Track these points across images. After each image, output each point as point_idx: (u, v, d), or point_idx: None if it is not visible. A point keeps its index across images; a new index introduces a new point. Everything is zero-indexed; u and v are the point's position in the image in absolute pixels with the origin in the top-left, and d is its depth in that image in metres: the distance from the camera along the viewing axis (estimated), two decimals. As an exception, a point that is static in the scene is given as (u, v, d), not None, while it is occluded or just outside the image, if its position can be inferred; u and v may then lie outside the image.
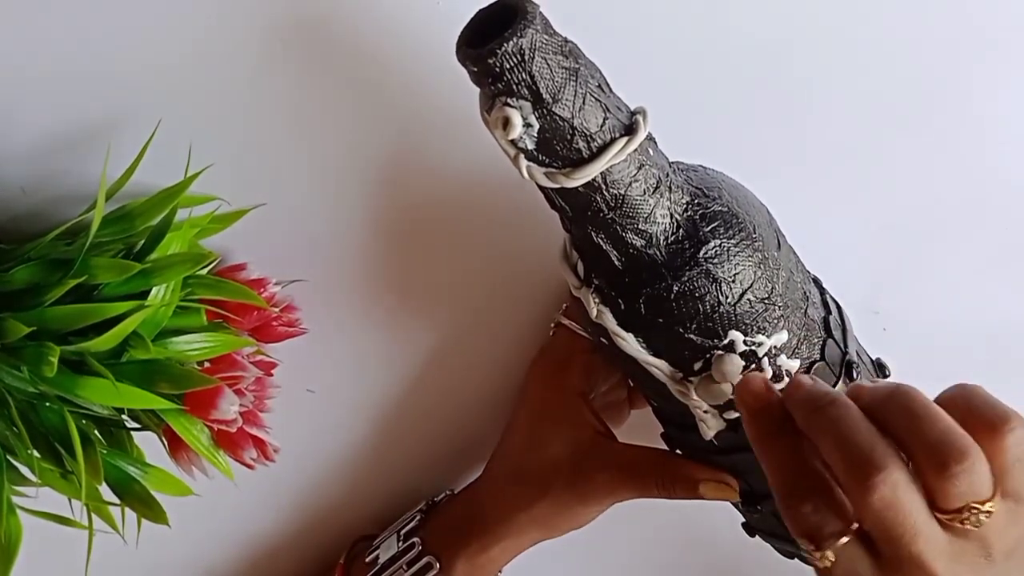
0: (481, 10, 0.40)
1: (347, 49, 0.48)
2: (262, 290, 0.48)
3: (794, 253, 0.47)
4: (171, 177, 0.45)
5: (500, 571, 0.54)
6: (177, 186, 0.45)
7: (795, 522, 0.37)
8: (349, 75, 0.48)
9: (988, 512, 0.35)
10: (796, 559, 0.53)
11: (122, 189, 0.45)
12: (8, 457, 0.43)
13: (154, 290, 0.43)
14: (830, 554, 0.36)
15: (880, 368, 0.51)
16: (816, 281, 0.49)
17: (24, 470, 0.44)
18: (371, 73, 0.49)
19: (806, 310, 0.45)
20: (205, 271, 0.47)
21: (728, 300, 0.43)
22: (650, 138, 0.42)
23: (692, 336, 0.43)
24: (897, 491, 0.35)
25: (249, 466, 0.45)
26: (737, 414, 0.45)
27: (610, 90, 0.41)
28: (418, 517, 0.55)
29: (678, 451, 0.51)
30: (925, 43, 0.52)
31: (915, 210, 0.57)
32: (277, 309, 0.49)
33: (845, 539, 0.36)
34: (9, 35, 0.45)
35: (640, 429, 0.54)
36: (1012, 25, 0.53)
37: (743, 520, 0.54)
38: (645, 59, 0.49)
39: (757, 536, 0.54)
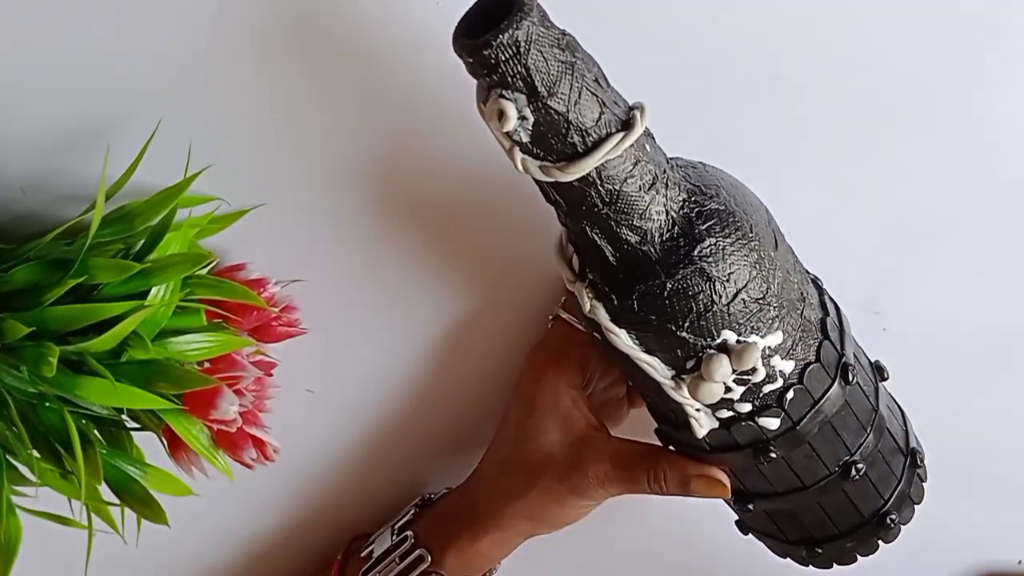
0: (479, 0, 0.39)
1: (346, 48, 0.48)
2: (262, 290, 0.48)
3: (792, 253, 0.47)
4: (171, 177, 0.45)
5: (496, 566, 0.55)
6: (176, 186, 0.45)
7: None
8: (348, 74, 0.48)
9: None
10: (788, 558, 0.53)
11: (122, 189, 0.45)
12: (8, 457, 0.43)
13: (153, 290, 0.43)
14: None
15: (878, 371, 0.51)
16: (815, 282, 0.49)
17: (24, 470, 0.44)
18: (370, 72, 0.49)
19: (802, 311, 0.45)
20: (205, 271, 0.47)
21: (722, 299, 0.42)
22: (647, 134, 0.42)
23: (684, 334, 0.43)
24: None
25: (249, 466, 0.45)
26: (730, 413, 0.45)
27: (607, 84, 0.41)
28: (412, 511, 0.56)
29: (671, 447, 0.51)
30: (925, 43, 0.52)
31: (915, 210, 0.57)
32: (277, 309, 0.49)
33: None
34: (9, 35, 0.45)
35: (635, 426, 0.54)
36: (1012, 25, 0.53)
37: (736, 518, 0.54)
38: (643, 55, 0.49)
39: (750, 535, 0.54)
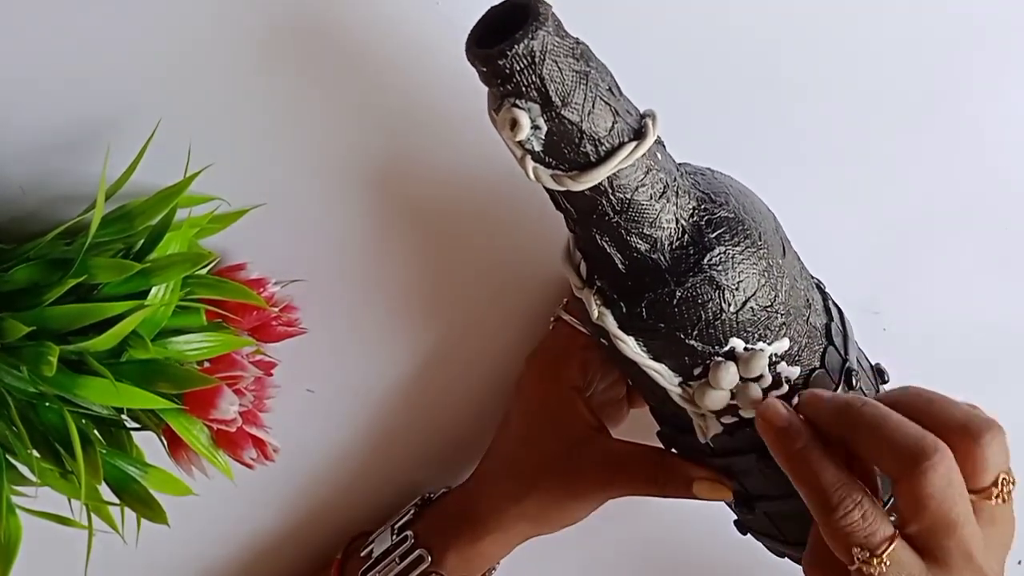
0: (492, 7, 0.39)
1: (347, 49, 0.48)
2: (261, 290, 0.48)
3: (798, 259, 0.47)
4: (171, 177, 0.45)
5: (495, 566, 0.55)
6: (176, 186, 0.45)
7: (845, 534, 0.39)
8: (349, 75, 0.48)
9: (1014, 482, 0.38)
10: (787, 558, 0.53)
11: (121, 189, 0.45)
12: (8, 457, 0.43)
13: (153, 290, 0.43)
14: (886, 559, 0.38)
15: (879, 374, 0.51)
16: (819, 286, 0.49)
17: (24, 470, 0.44)
18: (371, 73, 0.49)
19: (808, 317, 0.45)
20: (204, 271, 0.47)
21: (731, 307, 0.42)
22: (658, 142, 0.42)
23: (693, 342, 0.43)
24: (952, 473, 0.37)
25: (249, 466, 0.45)
26: (735, 418, 0.45)
27: (620, 93, 0.41)
28: (412, 511, 0.55)
29: (673, 450, 0.51)
30: (925, 43, 0.52)
31: (915, 210, 0.57)
32: (276, 309, 0.49)
33: (896, 543, 0.38)
34: (8, 35, 0.45)
35: (636, 427, 0.54)
36: (1012, 25, 0.53)
37: (735, 518, 0.54)
38: (646, 57, 0.49)
39: (748, 535, 0.54)
